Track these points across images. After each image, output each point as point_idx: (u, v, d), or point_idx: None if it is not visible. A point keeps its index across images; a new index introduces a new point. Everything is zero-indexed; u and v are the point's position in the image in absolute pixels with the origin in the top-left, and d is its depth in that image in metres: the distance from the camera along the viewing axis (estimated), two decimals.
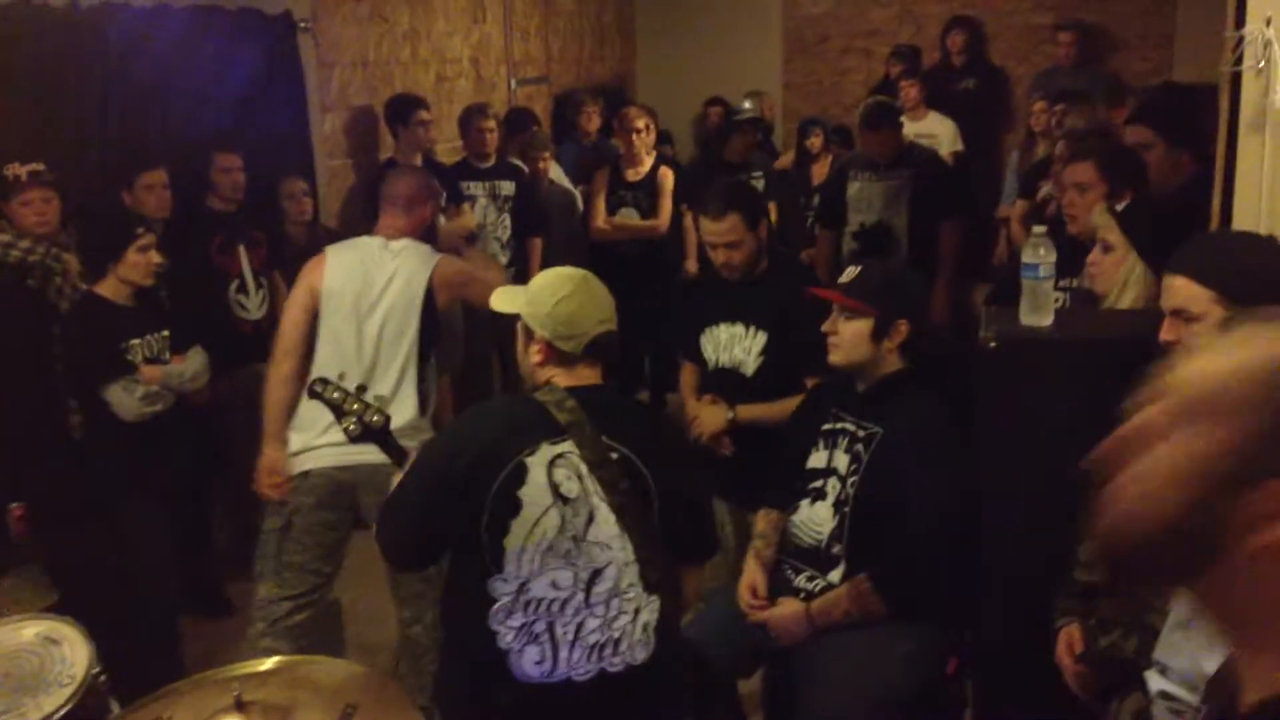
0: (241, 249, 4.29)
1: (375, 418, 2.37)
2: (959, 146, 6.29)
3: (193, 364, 3.58)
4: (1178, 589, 0.97)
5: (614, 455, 2.10)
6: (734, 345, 3.22)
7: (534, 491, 2.06)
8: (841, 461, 2.69)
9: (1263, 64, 2.26)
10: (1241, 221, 2.31)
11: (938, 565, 2.55)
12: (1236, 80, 2.34)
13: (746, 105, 5.91)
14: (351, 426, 2.36)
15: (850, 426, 2.71)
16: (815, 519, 2.71)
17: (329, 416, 2.53)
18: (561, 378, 2.19)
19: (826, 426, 2.77)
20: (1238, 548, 0.85)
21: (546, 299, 2.20)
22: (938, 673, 2.67)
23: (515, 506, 2.06)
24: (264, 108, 4.67)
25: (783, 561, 2.80)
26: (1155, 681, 1.64)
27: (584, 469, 2.08)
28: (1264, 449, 0.84)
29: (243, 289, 4.30)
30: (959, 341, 4.16)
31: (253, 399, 4.31)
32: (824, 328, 2.70)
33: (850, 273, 2.76)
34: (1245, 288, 1.88)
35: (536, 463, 2.07)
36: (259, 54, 4.63)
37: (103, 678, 2.07)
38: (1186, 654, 1.58)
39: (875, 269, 2.79)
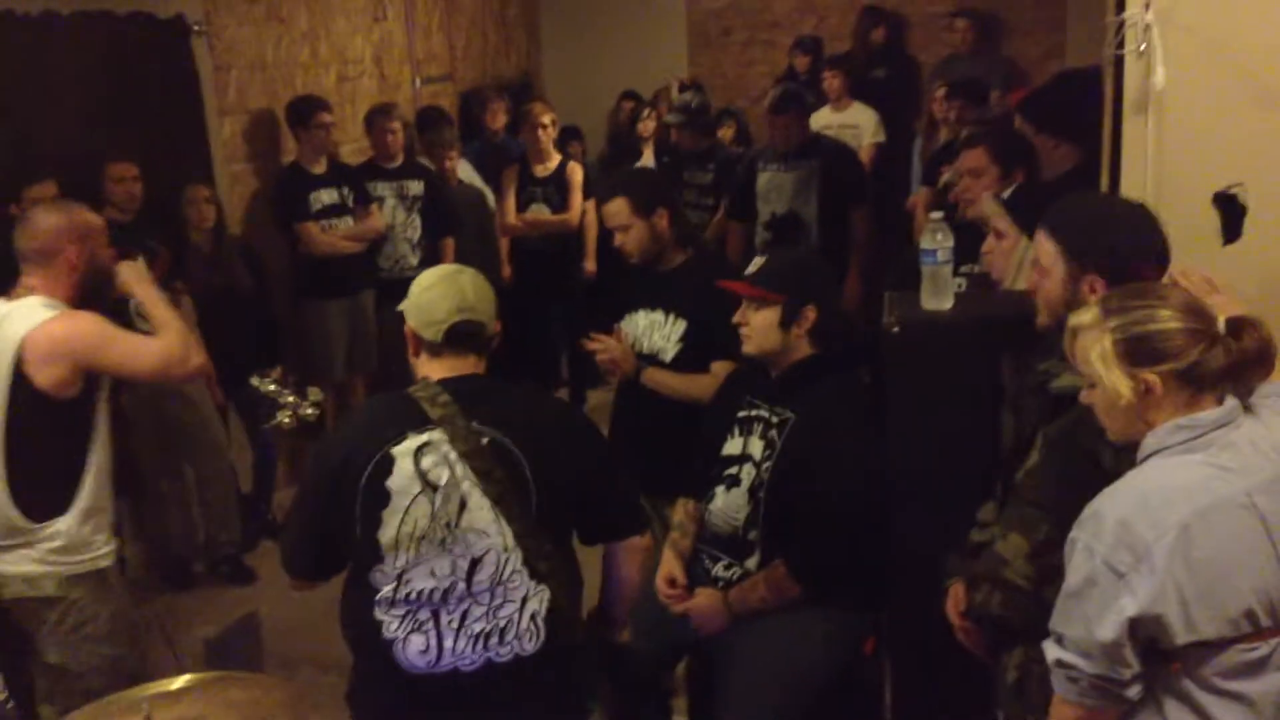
0: (140, 260, 4.17)
1: (309, 411, 2.33)
2: (881, 137, 6.34)
3: None
4: None
5: (485, 441, 2.09)
6: (653, 332, 3.24)
7: (401, 480, 2.07)
8: (756, 448, 2.73)
9: (1144, 47, 2.32)
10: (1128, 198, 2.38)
11: (851, 548, 2.60)
12: (1120, 64, 2.41)
13: (686, 99, 5.92)
14: (287, 420, 2.33)
15: (764, 413, 2.74)
16: (731, 506, 2.74)
17: None
18: (434, 368, 2.19)
19: (741, 413, 2.80)
20: None
21: (415, 290, 2.23)
22: (855, 653, 2.72)
23: (384, 497, 2.07)
24: (159, 114, 4.56)
25: (700, 550, 2.82)
26: (1052, 650, 1.69)
27: (453, 456, 2.08)
28: None
29: None
30: (869, 326, 4.24)
31: (156, 415, 4.24)
32: (735, 319, 2.73)
33: (756, 263, 2.80)
34: (1080, 245, 2.01)
35: (402, 452, 2.08)
36: (152, 59, 4.52)
37: (10, 704, 2.01)
38: (1079, 622, 1.63)
39: (779, 257, 2.83)
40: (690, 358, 3.17)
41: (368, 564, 2.11)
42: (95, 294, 2.76)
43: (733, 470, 2.76)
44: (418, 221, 5.44)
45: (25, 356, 2.57)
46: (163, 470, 4.40)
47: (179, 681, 2.00)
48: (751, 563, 2.70)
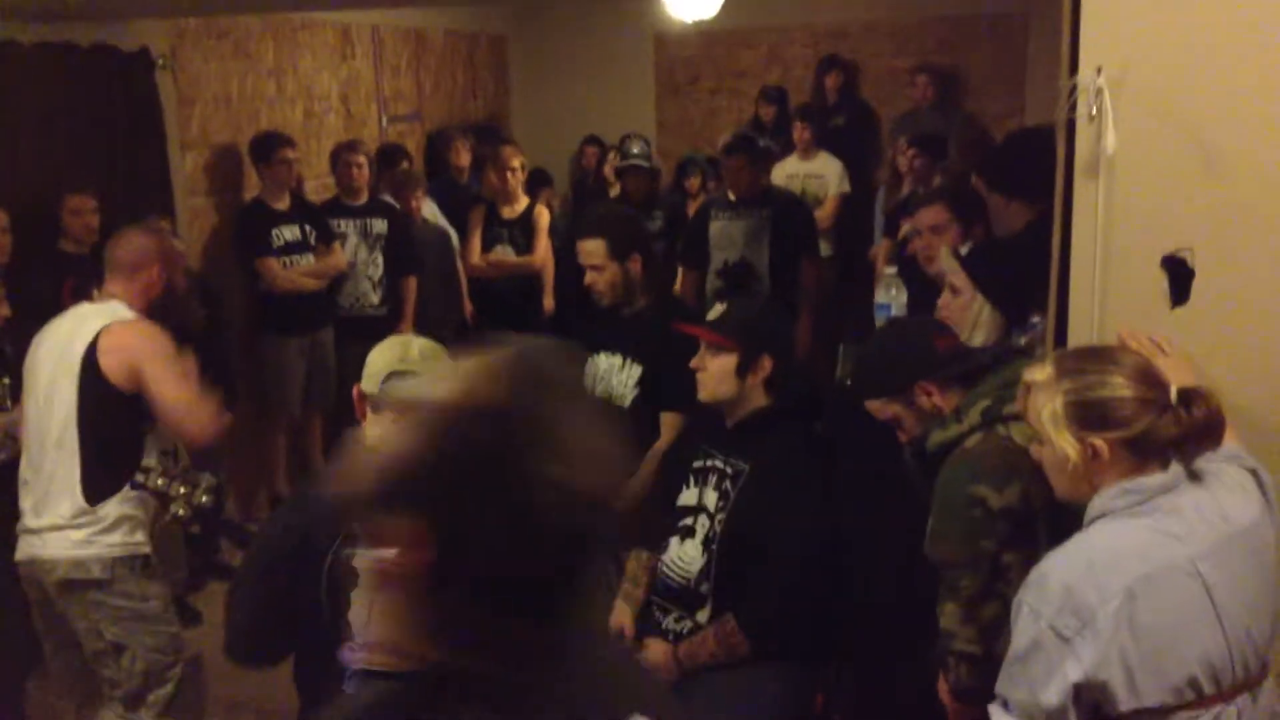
0: (95, 293, 4.12)
1: (203, 499, 2.25)
2: (846, 188, 6.40)
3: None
4: None
5: None
6: (611, 376, 3.23)
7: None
8: (711, 498, 2.71)
9: (1095, 111, 2.35)
10: (1079, 261, 2.40)
11: (802, 602, 2.59)
12: (1072, 127, 2.44)
13: (635, 151, 6.00)
14: (181, 512, 2.24)
15: (719, 463, 2.74)
16: (685, 557, 2.72)
17: None
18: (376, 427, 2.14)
19: (697, 463, 2.79)
20: None
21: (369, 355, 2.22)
22: (805, 710, 2.70)
23: (354, 576, 1.96)
24: (120, 146, 4.52)
25: (652, 602, 2.80)
26: (997, 715, 1.68)
27: None
28: None
29: None
30: (818, 376, 4.26)
31: None
32: (692, 363, 2.73)
33: (717, 309, 2.80)
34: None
35: None
36: (114, 91, 4.48)
37: None
38: (1024, 686, 1.63)
39: (740, 305, 2.84)
40: (647, 403, 3.16)
41: (334, 642, 2.01)
42: (163, 316, 3.04)
43: (688, 521, 2.75)
44: (380, 259, 5.43)
45: (100, 344, 2.86)
46: None
47: None
48: (702, 615, 2.68)
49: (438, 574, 1.00)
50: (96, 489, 2.87)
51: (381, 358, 2.18)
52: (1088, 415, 1.67)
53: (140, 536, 2.93)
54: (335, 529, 1.98)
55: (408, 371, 2.14)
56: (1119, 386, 1.66)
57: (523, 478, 0.99)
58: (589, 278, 3.23)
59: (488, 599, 1.01)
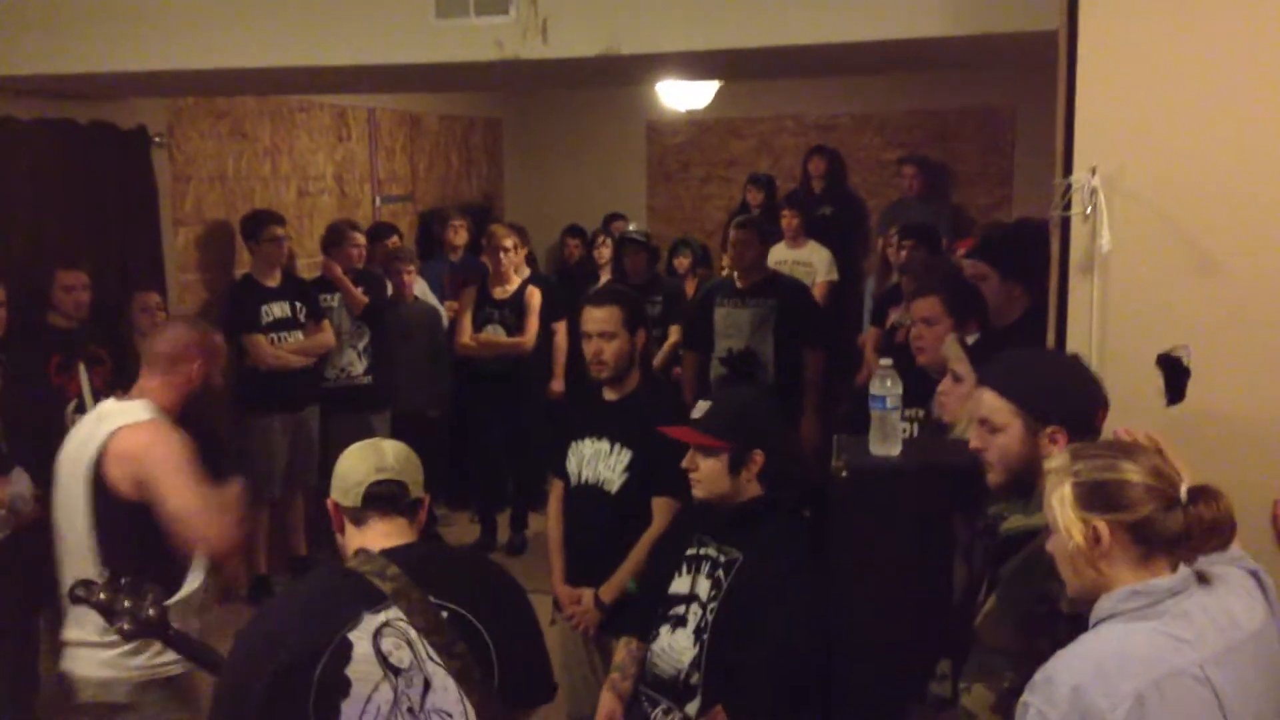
0: (81, 368, 4.10)
1: (150, 612, 2.16)
2: (834, 276, 6.45)
3: (15, 486, 3.37)
4: None
5: (445, 615, 1.98)
6: (598, 461, 3.20)
7: (362, 667, 1.91)
8: (703, 587, 2.68)
9: (1089, 210, 2.38)
10: None
11: (792, 695, 2.54)
12: (1066, 224, 2.47)
13: (632, 227, 6.07)
14: (126, 626, 2.15)
15: (712, 552, 2.70)
16: (675, 647, 2.68)
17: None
18: (362, 538, 2.06)
19: (690, 551, 2.75)
20: None
21: (336, 466, 2.13)
22: None
23: (344, 686, 1.89)
24: (114, 221, 4.54)
25: (641, 693, 2.74)
26: None
27: (413, 634, 1.95)
28: None
29: (81, 409, 4.09)
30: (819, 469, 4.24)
31: None
32: (684, 464, 2.71)
33: (701, 407, 2.76)
34: (1042, 403, 2.06)
35: (360, 635, 1.92)
36: (110, 168, 4.51)
37: None
38: None
39: (726, 401, 2.81)
40: (635, 488, 3.14)
41: None
42: (197, 411, 2.90)
43: (679, 610, 2.71)
44: (365, 329, 5.45)
45: (108, 449, 2.68)
46: None
47: None
48: (692, 708, 2.62)
49: None
50: None
51: (355, 469, 2.09)
52: (1093, 496, 1.66)
53: (169, 656, 2.68)
54: (322, 643, 1.89)
55: (388, 480, 2.08)
56: (1128, 472, 1.66)
57: None
58: (594, 347, 3.17)
59: None
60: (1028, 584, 1.98)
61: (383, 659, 1.91)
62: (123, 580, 2.27)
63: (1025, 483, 2.07)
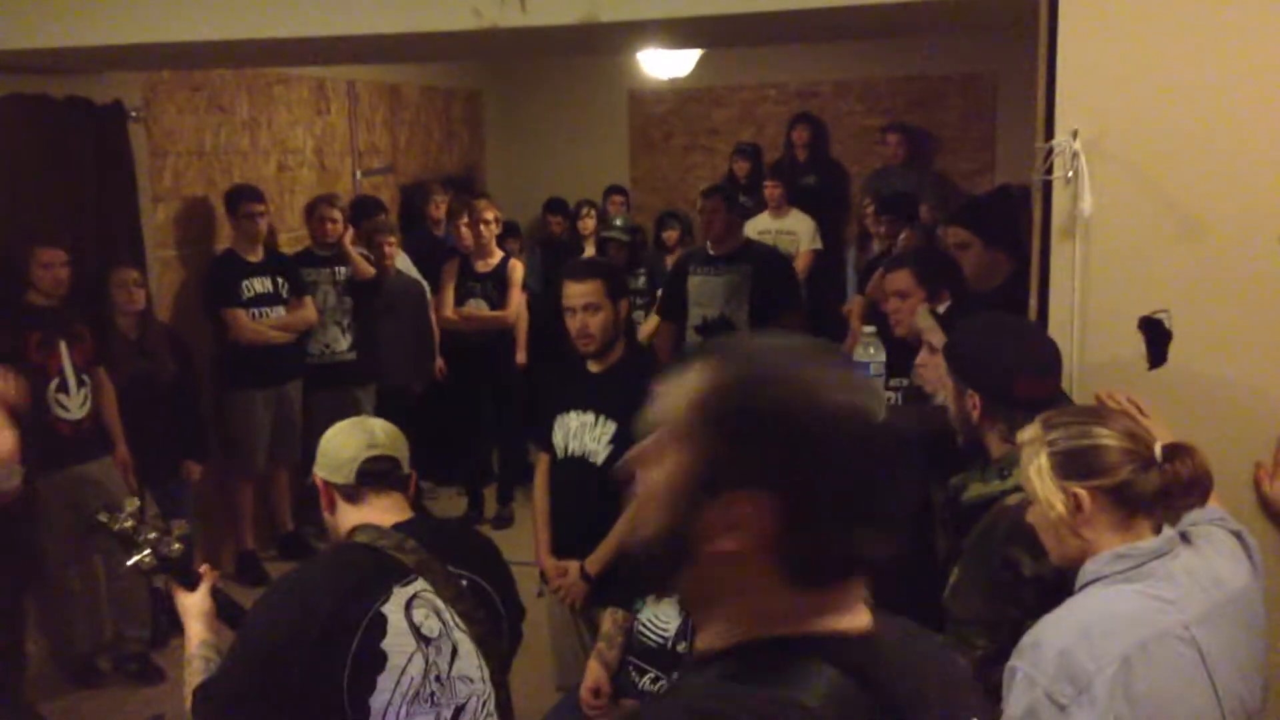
0: (62, 345, 4.07)
1: (176, 547, 2.11)
2: (817, 244, 6.46)
3: None
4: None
5: (464, 583, 2.03)
6: (584, 434, 3.19)
7: (397, 639, 1.92)
8: None
9: (1071, 174, 2.38)
10: (1056, 323, 2.42)
11: None
12: (1048, 188, 2.47)
13: (618, 223, 6.09)
14: (147, 560, 2.10)
15: None
16: (661, 616, 2.70)
17: None
18: (359, 514, 2.06)
19: None
20: (700, 554, 0.99)
21: (322, 443, 2.13)
22: None
23: (380, 660, 1.90)
24: (92, 198, 4.48)
25: (627, 662, 2.76)
26: None
27: (440, 604, 1.98)
28: (717, 466, 0.98)
29: (63, 387, 4.07)
30: None
31: (71, 504, 4.08)
32: None
33: None
34: (962, 367, 2.13)
35: (393, 608, 1.94)
36: (87, 144, 4.46)
37: None
38: None
39: None
40: (621, 459, 3.13)
41: None
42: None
43: None
44: (349, 303, 5.44)
45: None
46: (71, 560, 4.22)
47: None
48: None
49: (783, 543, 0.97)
50: None
51: (346, 446, 2.09)
52: (1071, 465, 1.67)
53: None
54: (356, 620, 1.88)
55: (381, 456, 2.09)
56: (1102, 437, 1.67)
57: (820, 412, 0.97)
58: (579, 320, 3.14)
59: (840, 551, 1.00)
60: (989, 552, 2.00)
61: (415, 630, 1.95)
62: (149, 513, 2.19)
63: (979, 446, 2.11)
